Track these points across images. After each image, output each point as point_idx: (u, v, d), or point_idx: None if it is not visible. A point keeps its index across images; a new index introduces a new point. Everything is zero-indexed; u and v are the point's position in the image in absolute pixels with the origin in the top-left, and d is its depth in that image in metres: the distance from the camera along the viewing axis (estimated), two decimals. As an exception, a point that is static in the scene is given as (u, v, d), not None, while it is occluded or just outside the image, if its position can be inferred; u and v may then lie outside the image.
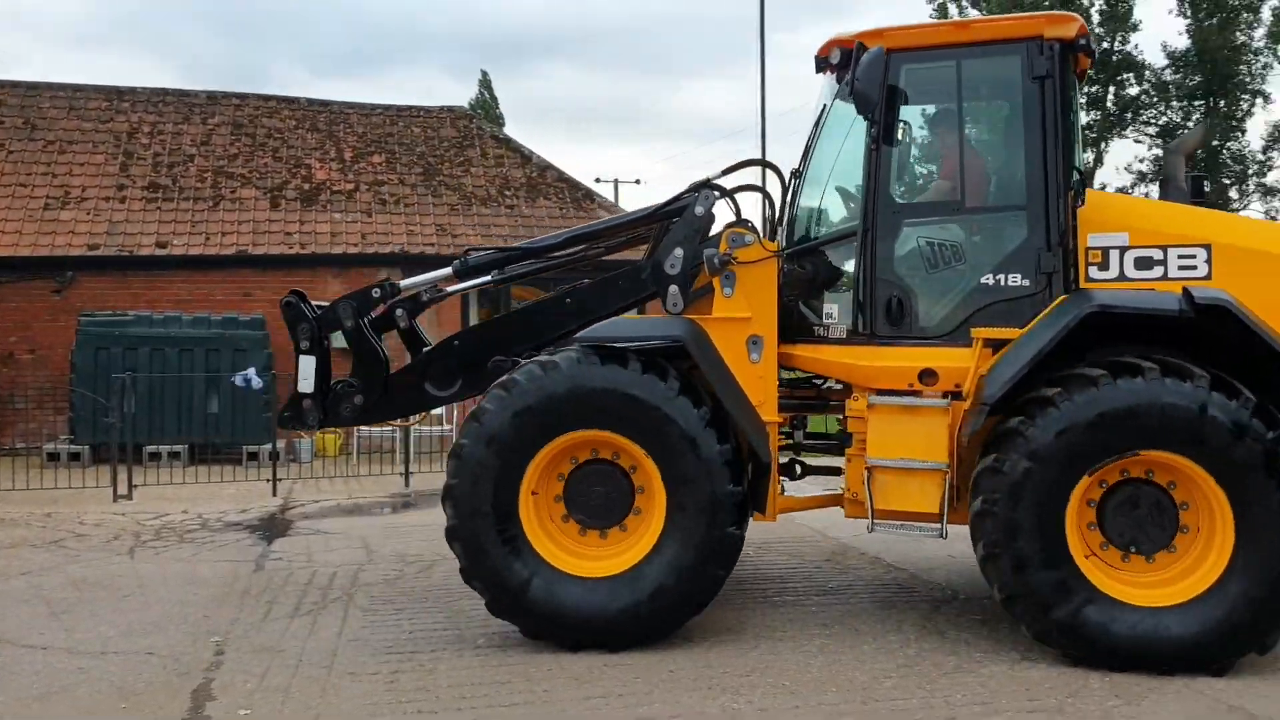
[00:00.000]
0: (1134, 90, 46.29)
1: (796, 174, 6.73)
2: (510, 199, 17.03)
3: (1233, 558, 5.25)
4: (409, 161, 17.51)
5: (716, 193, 6.45)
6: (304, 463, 14.36)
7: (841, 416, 6.31)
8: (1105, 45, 43.61)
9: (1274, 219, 46.87)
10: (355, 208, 16.34)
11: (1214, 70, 43.44)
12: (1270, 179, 45.85)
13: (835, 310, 6.29)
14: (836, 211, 6.63)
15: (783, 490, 6.65)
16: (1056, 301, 5.73)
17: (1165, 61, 45.87)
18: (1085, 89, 44.90)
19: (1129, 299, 5.62)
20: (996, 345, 5.81)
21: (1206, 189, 6.56)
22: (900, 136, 6.13)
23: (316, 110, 18.56)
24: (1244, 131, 47.20)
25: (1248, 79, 45.20)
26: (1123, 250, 5.85)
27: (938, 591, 7.05)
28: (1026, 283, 5.85)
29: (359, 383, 6.78)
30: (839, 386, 6.47)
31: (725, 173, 6.52)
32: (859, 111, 5.93)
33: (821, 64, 6.49)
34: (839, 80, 6.36)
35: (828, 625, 6.26)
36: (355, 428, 14.16)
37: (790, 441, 6.73)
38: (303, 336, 6.69)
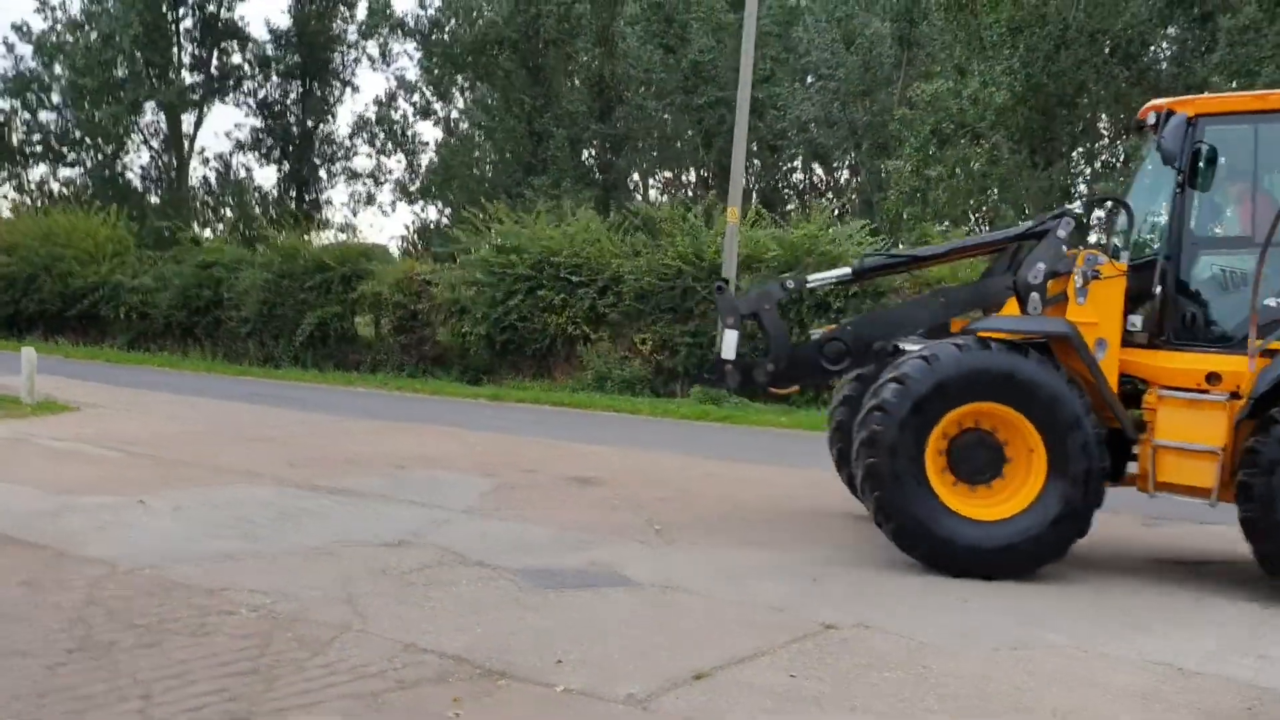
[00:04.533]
0: (237, 59, 46.90)
1: (1125, 208, 8.06)
2: None
3: None
4: None
5: (1073, 220, 7.83)
6: None
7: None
8: (211, 9, 43.63)
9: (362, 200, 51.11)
10: None
11: (312, 54, 45.89)
12: (355, 164, 50.02)
13: (1139, 321, 7.42)
14: (1145, 242, 7.96)
15: None
16: None
17: (268, 36, 47.09)
18: (190, 51, 44.40)
19: None
20: (1274, 355, 6.98)
21: None
22: (1201, 183, 7.24)
23: None
24: (335, 116, 50.57)
25: (341, 68, 48.46)
26: None
27: (103, 567, 6.47)
28: None
29: (771, 354, 8.22)
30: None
31: (1084, 205, 8.28)
32: (1165, 163, 7.23)
33: (1140, 125, 8.11)
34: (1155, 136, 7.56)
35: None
36: None
37: None
38: (729, 314, 8.18)
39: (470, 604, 6.05)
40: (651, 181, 46.97)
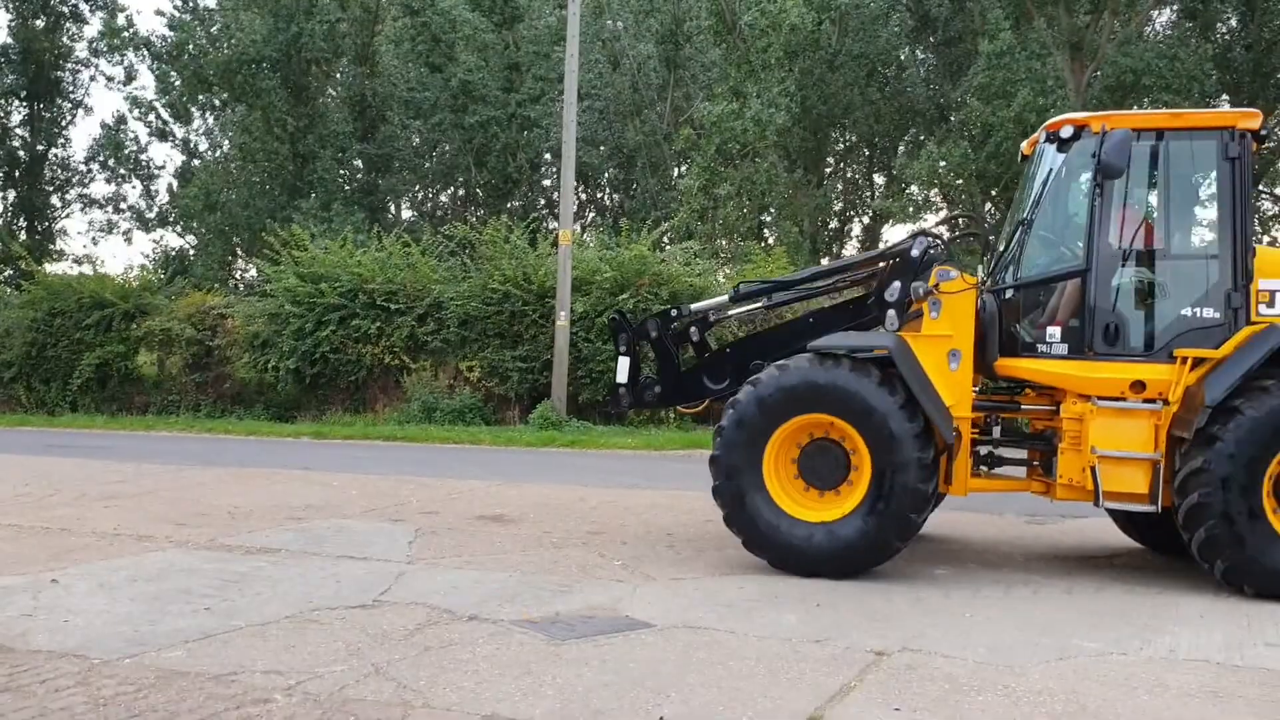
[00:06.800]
0: (-51, 77, 42.92)
1: (1023, 224, 7.96)
2: None
3: None
4: None
5: (929, 239, 8.27)
6: None
7: (1025, 419, 8.22)
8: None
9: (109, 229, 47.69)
10: None
11: (39, 73, 42.54)
12: (93, 190, 46.59)
13: (1057, 333, 7.68)
14: (1054, 254, 8.04)
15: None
16: (1248, 330, 7.30)
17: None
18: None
19: None
20: (1195, 363, 7.33)
21: None
22: (1118, 196, 7.54)
23: None
24: (69, 140, 46.92)
25: (72, 88, 45.21)
26: None
27: (76, 661, 5.69)
28: (1218, 315, 7.43)
29: (659, 377, 9.02)
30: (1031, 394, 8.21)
31: (941, 224, 7.67)
32: (1107, 177, 7.37)
33: (1052, 137, 7.88)
34: (1062, 150, 7.82)
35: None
36: None
37: (987, 437, 8.24)
38: (622, 343, 8.97)
39: (509, 664, 5.70)
40: (405, 203, 45.98)
